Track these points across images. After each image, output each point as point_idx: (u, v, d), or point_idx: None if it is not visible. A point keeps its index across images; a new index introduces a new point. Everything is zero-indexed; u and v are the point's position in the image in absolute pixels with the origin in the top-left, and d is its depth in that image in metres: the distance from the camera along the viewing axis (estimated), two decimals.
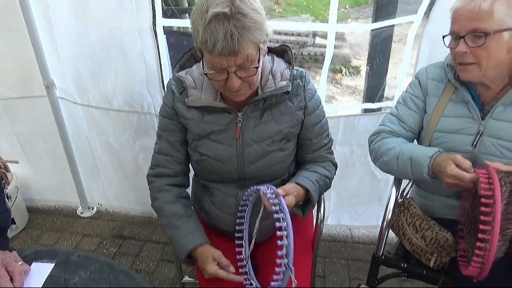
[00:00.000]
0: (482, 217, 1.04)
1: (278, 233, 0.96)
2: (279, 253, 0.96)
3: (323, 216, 1.40)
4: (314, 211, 1.44)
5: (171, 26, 1.84)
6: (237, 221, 1.23)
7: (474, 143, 1.26)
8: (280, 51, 1.25)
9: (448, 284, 1.34)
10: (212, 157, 1.22)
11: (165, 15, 1.72)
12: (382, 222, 1.42)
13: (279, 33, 5.06)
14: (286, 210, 0.99)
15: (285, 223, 0.96)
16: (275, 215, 0.98)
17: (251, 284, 1.16)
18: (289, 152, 1.27)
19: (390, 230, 1.47)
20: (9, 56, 1.99)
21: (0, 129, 2.25)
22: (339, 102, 4.43)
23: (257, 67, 1.05)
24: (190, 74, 1.22)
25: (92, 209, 2.52)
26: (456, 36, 1.17)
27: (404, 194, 1.52)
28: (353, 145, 2.03)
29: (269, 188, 1.07)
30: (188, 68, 1.25)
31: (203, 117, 1.21)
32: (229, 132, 1.21)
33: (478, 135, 1.26)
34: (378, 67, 2.19)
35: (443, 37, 1.22)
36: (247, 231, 1.25)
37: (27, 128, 2.23)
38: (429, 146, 1.34)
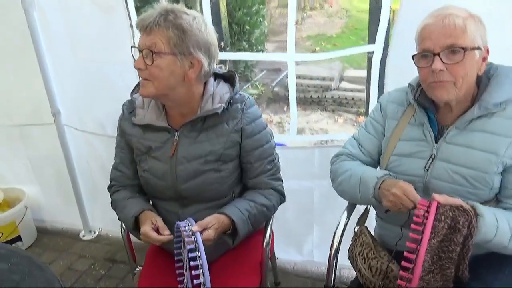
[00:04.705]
0: (408, 244, 1.02)
1: (194, 272, 1.00)
2: None
3: (269, 240, 1.39)
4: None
5: None
6: (175, 251, 1.24)
7: (427, 166, 1.21)
8: (228, 77, 1.34)
9: None
10: (150, 173, 1.30)
11: None
12: (330, 251, 1.38)
13: (299, 77, 5.11)
14: (202, 247, 1.02)
15: (200, 261, 1.00)
16: (190, 254, 1.02)
17: None
18: (226, 173, 1.30)
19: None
20: (24, 89, 2.27)
21: (16, 152, 2.50)
22: None
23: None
24: None
25: (94, 233, 2.64)
26: (428, 54, 1.10)
27: (360, 223, 1.49)
28: None
29: (188, 224, 1.10)
30: None
31: (144, 134, 1.30)
32: (165, 150, 1.28)
33: (431, 159, 1.21)
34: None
35: (413, 56, 1.14)
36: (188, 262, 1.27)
37: (38, 152, 2.46)
38: (385, 170, 1.30)
